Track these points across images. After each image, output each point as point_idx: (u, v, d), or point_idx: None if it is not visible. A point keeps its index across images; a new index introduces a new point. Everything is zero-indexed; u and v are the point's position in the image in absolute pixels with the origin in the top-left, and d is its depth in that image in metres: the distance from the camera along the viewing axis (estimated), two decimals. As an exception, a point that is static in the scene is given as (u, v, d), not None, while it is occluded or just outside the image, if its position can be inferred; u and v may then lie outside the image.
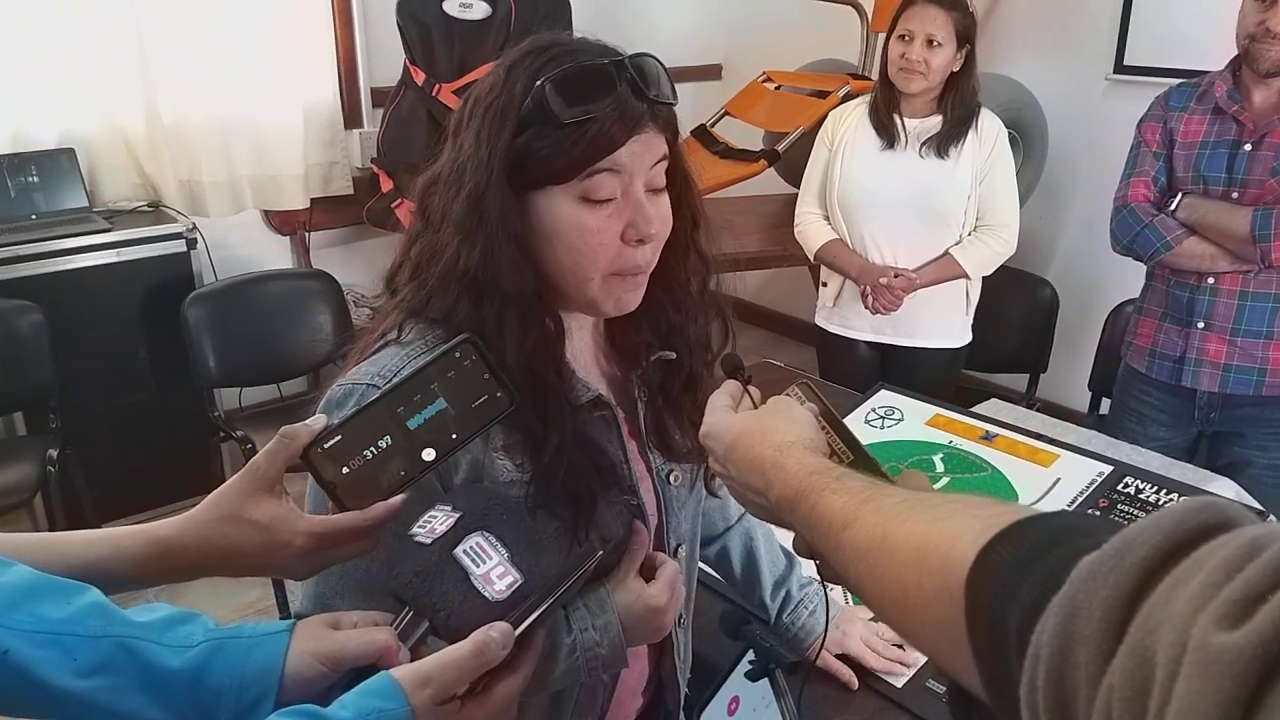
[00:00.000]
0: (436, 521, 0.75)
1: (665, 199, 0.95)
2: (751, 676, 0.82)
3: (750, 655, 0.90)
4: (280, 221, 3.67)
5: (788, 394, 0.86)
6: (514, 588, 0.73)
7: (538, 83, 0.87)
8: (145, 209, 3.29)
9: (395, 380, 0.78)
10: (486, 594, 0.72)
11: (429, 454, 0.78)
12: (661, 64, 0.93)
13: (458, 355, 0.78)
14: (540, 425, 0.91)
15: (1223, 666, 0.32)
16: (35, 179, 3.06)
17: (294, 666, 0.70)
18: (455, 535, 0.74)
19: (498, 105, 0.89)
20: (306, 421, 0.78)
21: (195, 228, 3.19)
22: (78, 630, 0.65)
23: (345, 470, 0.76)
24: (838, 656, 1.30)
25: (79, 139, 3.17)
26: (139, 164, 3.33)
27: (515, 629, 0.70)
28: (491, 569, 0.73)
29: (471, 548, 0.74)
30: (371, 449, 0.77)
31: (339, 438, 0.76)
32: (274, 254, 3.69)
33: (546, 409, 0.92)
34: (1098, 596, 0.39)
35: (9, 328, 2.75)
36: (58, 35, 3.05)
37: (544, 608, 0.73)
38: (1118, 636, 0.38)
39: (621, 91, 0.88)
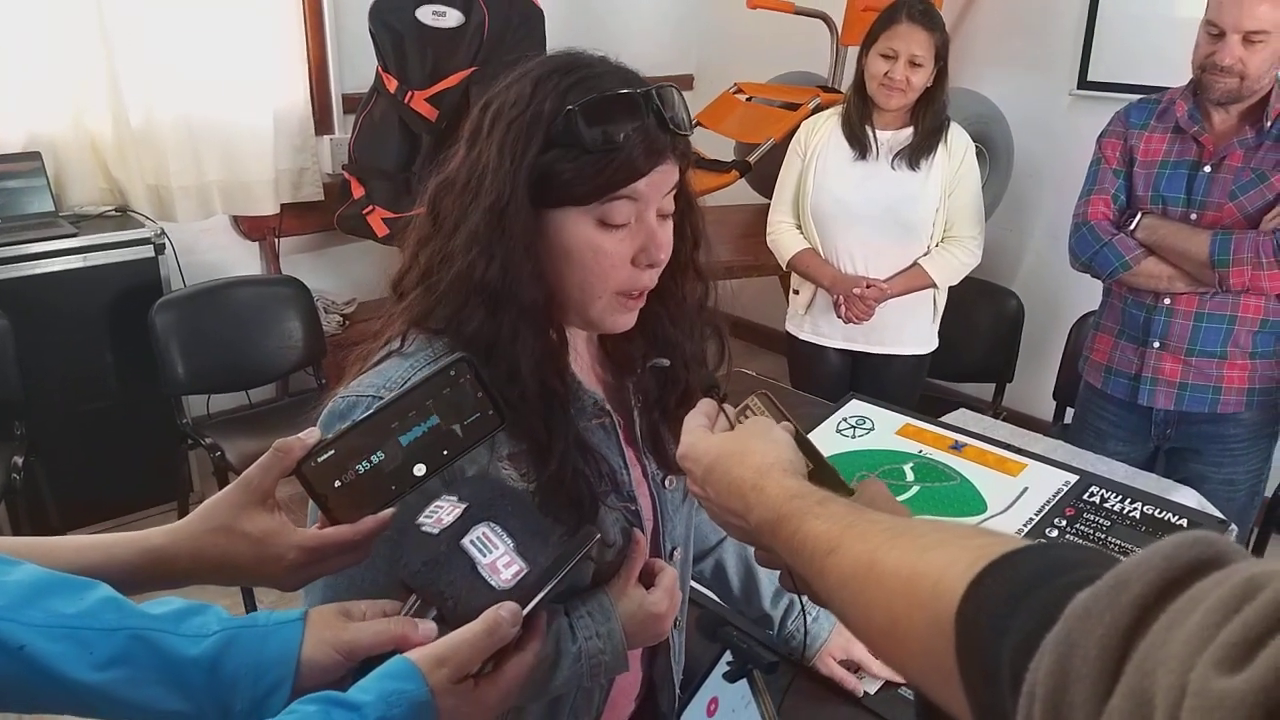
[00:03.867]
0: (443, 512, 0.77)
1: (670, 224, 0.98)
2: (730, 678, 0.83)
3: (728, 656, 0.91)
4: (249, 227, 3.64)
5: (746, 404, 0.86)
6: (519, 577, 0.75)
7: (568, 106, 0.89)
8: (112, 213, 3.25)
9: (389, 397, 0.80)
10: (493, 583, 0.74)
11: (420, 469, 0.79)
12: (680, 94, 0.94)
13: (452, 373, 0.80)
14: (545, 434, 0.93)
15: (1224, 713, 0.31)
16: (1, 182, 3.01)
17: (310, 655, 0.71)
18: (462, 525, 0.76)
19: (524, 120, 0.90)
20: (300, 435, 0.79)
21: (163, 233, 3.15)
22: (93, 624, 0.66)
23: (337, 484, 0.78)
24: (841, 663, 1.32)
25: (45, 142, 3.13)
26: (106, 168, 3.29)
27: (523, 609, 0.72)
28: (498, 559, 0.75)
29: (478, 538, 0.75)
30: (364, 463, 0.78)
31: (332, 452, 0.77)
32: (243, 260, 3.66)
33: (552, 418, 0.93)
34: (1093, 634, 0.39)
35: (-27, 333, 2.72)
36: (23, 36, 3.01)
37: (548, 588, 0.75)
38: (1114, 675, 0.38)
39: (647, 122, 0.90)
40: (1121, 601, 0.39)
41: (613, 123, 0.89)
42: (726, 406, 0.87)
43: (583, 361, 1.05)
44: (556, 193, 0.91)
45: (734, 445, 0.79)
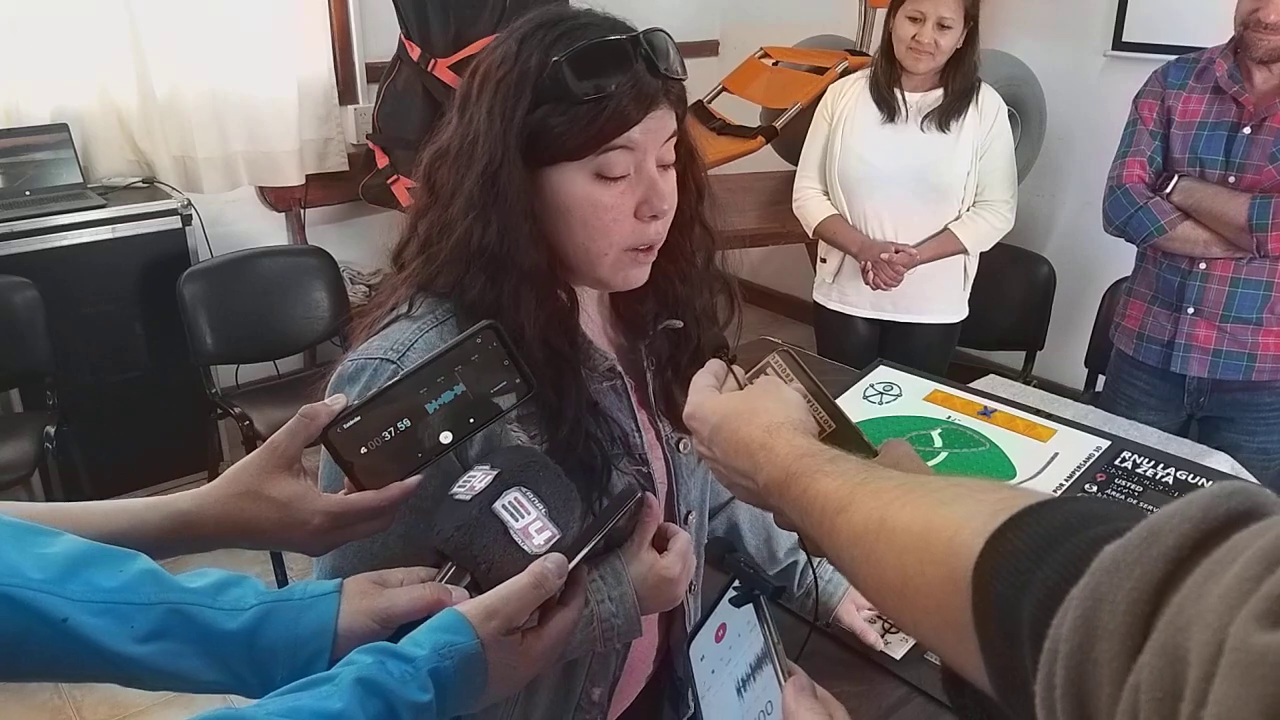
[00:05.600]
0: (476, 480, 0.77)
1: (673, 174, 0.96)
2: (736, 603, 0.83)
3: (736, 582, 0.91)
4: (275, 198, 3.65)
5: (767, 362, 0.85)
6: (551, 542, 0.76)
7: (553, 58, 0.87)
8: (139, 185, 3.27)
9: (416, 364, 0.80)
10: (526, 547, 0.75)
11: (446, 437, 0.79)
12: (671, 39, 0.93)
13: (479, 341, 0.80)
14: (556, 398, 0.92)
15: (1266, 669, 0.29)
16: (29, 155, 3.04)
17: (346, 625, 0.72)
18: (494, 491, 0.76)
19: (510, 79, 0.88)
20: (326, 401, 0.79)
21: (190, 204, 3.17)
22: (132, 598, 0.67)
23: (363, 450, 0.78)
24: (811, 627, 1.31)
25: (72, 115, 3.14)
26: (133, 140, 3.31)
27: (569, 562, 0.73)
28: (530, 524, 0.76)
29: (510, 503, 0.76)
30: (390, 430, 0.78)
31: (358, 419, 0.78)
32: (269, 230, 3.67)
33: (561, 382, 0.92)
34: (1122, 588, 0.37)
35: (4, 304, 2.75)
36: (49, 10, 3.02)
37: (592, 544, 0.76)
38: (1144, 631, 0.36)
39: (637, 68, 0.88)
40: (1153, 554, 0.37)
41: (601, 72, 0.87)
42: (736, 368, 0.85)
43: (594, 324, 1.04)
44: (550, 149, 0.89)
45: (742, 405, 0.77)
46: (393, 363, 0.89)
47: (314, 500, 0.77)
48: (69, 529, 0.72)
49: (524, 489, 0.77)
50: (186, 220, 3.14)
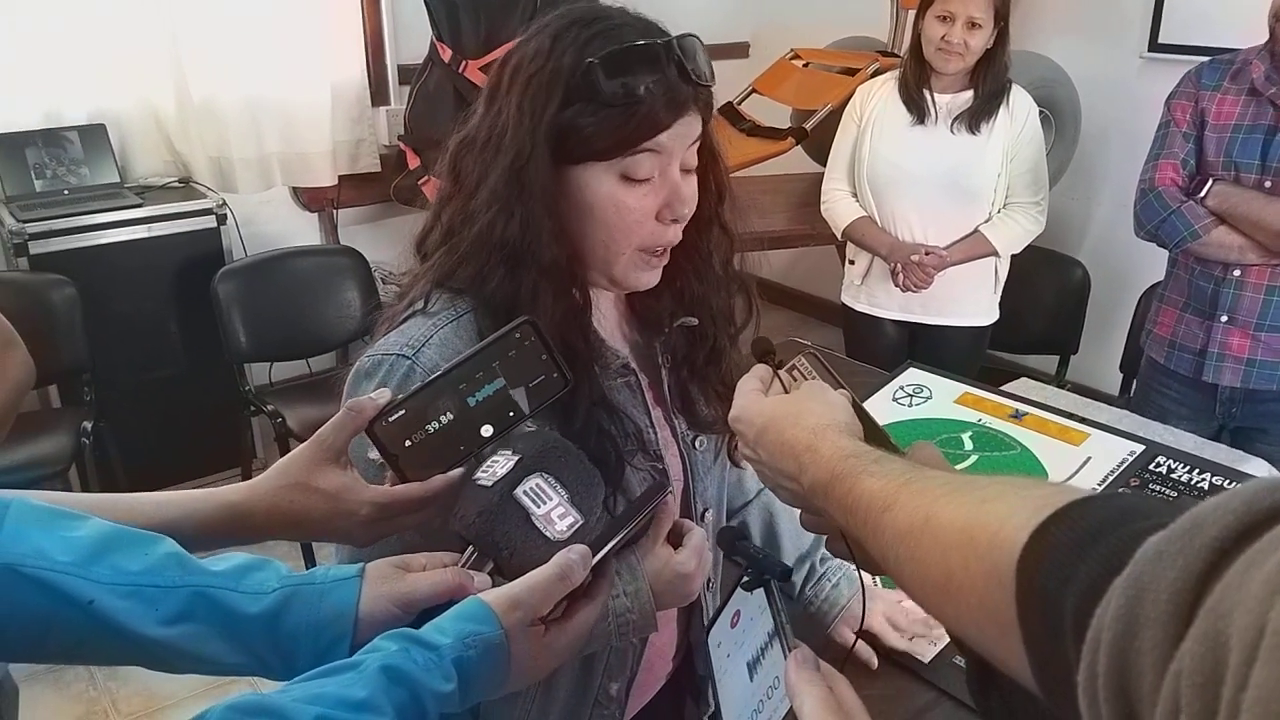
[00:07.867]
0: (498, 465, 0.78)
1: (694, 178, 0.96)
2: (747, 587, 0.84)
3: (749, 569, 0.92)
4: (308, 198, 3.69)
5: (794, 364, 0.86)
6: (574, 528, 0.76)
7: (587, 59, 0.87)
8: (176, 185, 3.31)
9: (458, 359, 0.81)
10: (548, 534, 0.75)
11: (487, 430, 0.81)
12: (702, 44, 0.93)
13: (518, 336, 0.81)
14: (569, 394, 0.92)
15: None
16: (68, 155, 3.09)
17: (368, 610, 0.72)
18: (515, 477, 0.77)
19: (543, 76, 0.89)
20: (371, 395, 0.80)
21: (225, 204, 3.22)
22: (157, 581, 0.68)
23: (408, 443, 0.79)
24: (858, 634, 1.29)
25: (110, 116, 3.19)
26: (169, 141, 3.35)
27: (594, 555, 0.73)
28: (552, 510, 0.76)
29: (531, 489, 0.76)
30: (434, 423, 0.79)
31: (403, 412, 0.79)
32: (302, 230, 3.71)
33: (574, 378, 0.93)
34: (1165, 577, 0.37)
35: (43, 302, 2.79)
36: (88, 13, 3.07)
37: (619, 537, 0.76)
38: (1187, 620, 0.36)
39: (669, 73, 0.89)
40: (1196, 544, 0.37)
41: (633, 75, 0.87)
42: (782, 373, 0.86)
43: (609, 321, 1.04)
44: (578, 148, 0.90)
45: (788, 407, 0.78)
46: (407, 358, 0.91)
47: (361, 491, 0.79)
48: (121, 518, 0.73)
49: (546, 474, 0.77)
50: (221, 220, 3.19)
